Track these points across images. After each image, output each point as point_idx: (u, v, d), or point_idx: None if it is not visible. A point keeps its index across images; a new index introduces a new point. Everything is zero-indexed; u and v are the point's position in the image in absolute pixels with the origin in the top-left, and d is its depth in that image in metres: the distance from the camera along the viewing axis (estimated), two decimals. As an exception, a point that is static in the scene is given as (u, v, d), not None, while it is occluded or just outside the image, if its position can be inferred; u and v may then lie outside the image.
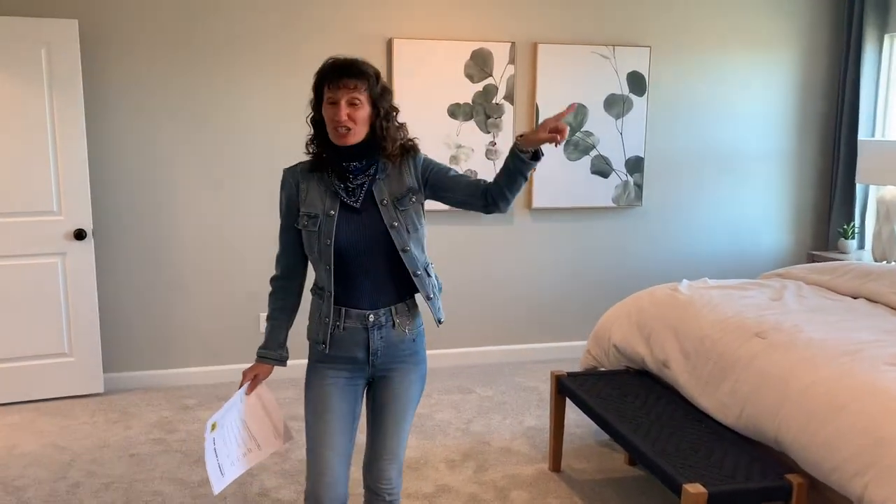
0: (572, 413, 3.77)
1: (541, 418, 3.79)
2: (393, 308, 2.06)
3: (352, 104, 1.93)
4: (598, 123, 4.58)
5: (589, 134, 4.58)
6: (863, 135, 4.72)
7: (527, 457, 3.37)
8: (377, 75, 2.00)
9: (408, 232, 2.02)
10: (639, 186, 4.72)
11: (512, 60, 4.40)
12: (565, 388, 3.15)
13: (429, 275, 2.10)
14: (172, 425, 3.70)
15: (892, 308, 3.11)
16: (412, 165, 2.06)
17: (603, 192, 4.66)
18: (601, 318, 3.63)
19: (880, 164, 4.23)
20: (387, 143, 2.00)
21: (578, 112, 4.54)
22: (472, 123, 4.40)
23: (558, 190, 4.59)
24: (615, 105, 4.59)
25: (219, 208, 4.20)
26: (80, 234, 3.90)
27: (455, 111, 4.36)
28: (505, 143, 4.45)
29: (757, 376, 2.61)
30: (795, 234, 5.07)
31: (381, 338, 2.05)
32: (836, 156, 4.91)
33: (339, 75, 1.93)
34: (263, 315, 4.22)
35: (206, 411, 3.87)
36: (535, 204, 4.57)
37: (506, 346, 4.71)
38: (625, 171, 4.68)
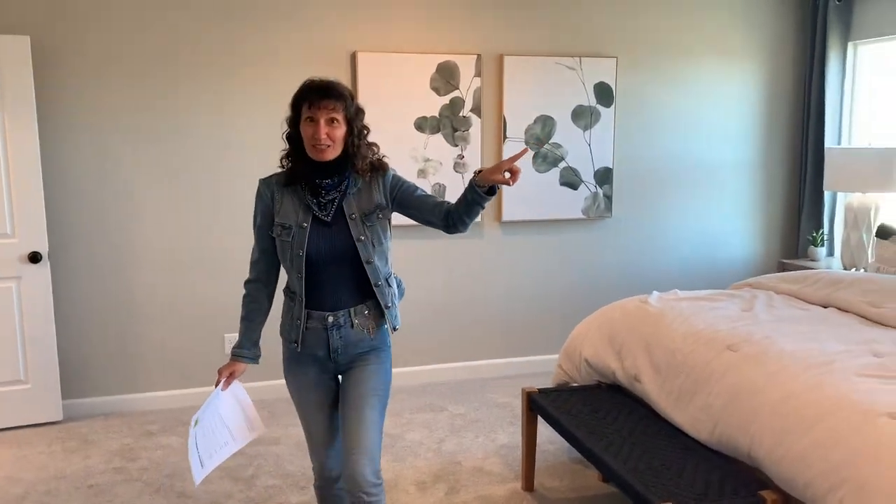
0: (546, 429, 3.70)
1: (514, 435, 3.72)
2: (352, 310, 2.20)
3: (330, 123, 2.08)
4: (566, 135, 4.55)
5: (557, 146, 4.54)
6: (829, 142, 4.74)
7: (499, 476, 3.30)
8: (352, 96, 2.16)
9: (373, 245, 2.18)
10: (608, 198, 4.69)
11: (478, 73, 4.36)
12: (536, 404, 3.09)
13: (389, 285, 2.26)
14: (134, 453, 3.58)
15: (862, 317, 3.09)
16: (381, 182, 2.21)
17: (572, 203, 4.63)
18: (572, 332, 3.58)
19: (847, 172, 4.24)
20: (357, 159, 2.16)
21: (546, 124, 4.51)
22: (439, 137, 4.34)
23: (528, 202, 4.54)
24: (583, 116, 4.57)
25: (180, 227, 4.09)
26: (34, 257, 3.77)
27: (422, 124, 4.30)
28: (473, 156, 4.40)
29: (729, 390, 2.57)
30: (765, 242, 5.07)
31: (340, 337, 2.20)
32: (803, 164, 4.93)
33: (319, 96, 2.08)
34: (228, 336, 4.17)
35: (170, 437, 3.75)
36: (505, 217, 4.52)
37: (478, 362, 4.64)
38: (594, 182, 4.65)
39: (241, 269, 4.14)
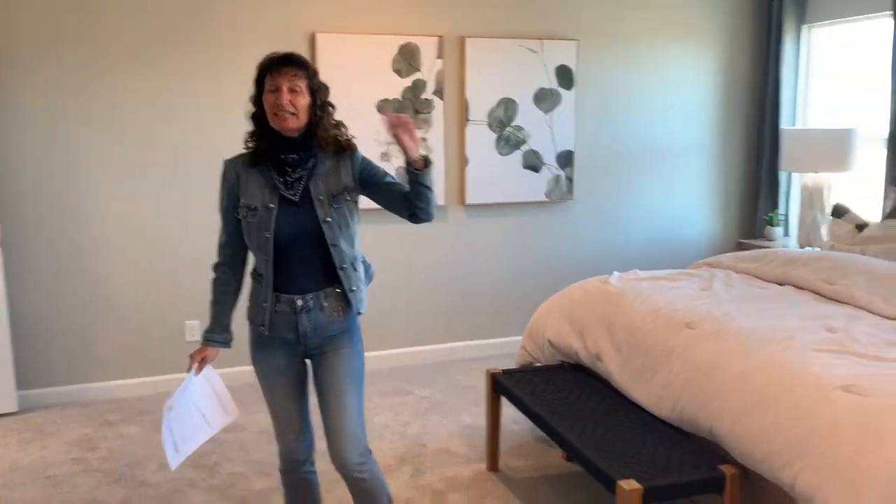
0: (510, 410, 3.72)
1: (479, 417, 3.74)
2: (322, 293, 2.17)
3: (293, 91, 2.04)
4: (529, 118, 4.55)
5: (519, 129, 4.55)
6: (785, 124, 4.82)
7: (464, 457, 3.32)
8: (315, 71, 2.13)
9: (340, 228, 2.14)
10: (570, 180, 4.71)
11: (440, 55, 4.33)
12: (501, 385, 3.11)
13: (355, 269, 2.22)
14: (93, 443, 3.51)
15: (817, 294, 3.16)
16: (350, 164, 2.18)
17: (535, 186, 4.64)
18: (535, 313, 3.60)
19: (803, 152, 4.32)
20: (321, 132, 2.11)
21: (508, 107, 4.50)
22: (401, 119, 4.30)
23: (491, 185, 4.54)
24: (544, 99, 4.57)
25: (137, 214, 4.01)
26: (-15, 245, 3.67)
27: (384, 107, 4.27)
28: (436, 139, 4.38)
29: (689, 368, 2.61)
30: (724, 222, 5.15)
31: (310, 320, 2.17)
32: (761, 145, 5.01)
33: (281, 64, 2.06)
34: (189, 323, 4.11)
35: (129, 426, 3.69)
36: (469, 200, 4.52)
37: (443, 345, 4.65)
38: (556, 165, 4.66)
39: (199, 255, 4.09)
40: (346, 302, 2.20)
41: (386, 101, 4.25)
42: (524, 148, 4.58)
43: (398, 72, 4.26)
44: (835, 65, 4.74)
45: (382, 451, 3.37)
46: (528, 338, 3.56)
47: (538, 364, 3.48)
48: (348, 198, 2.16)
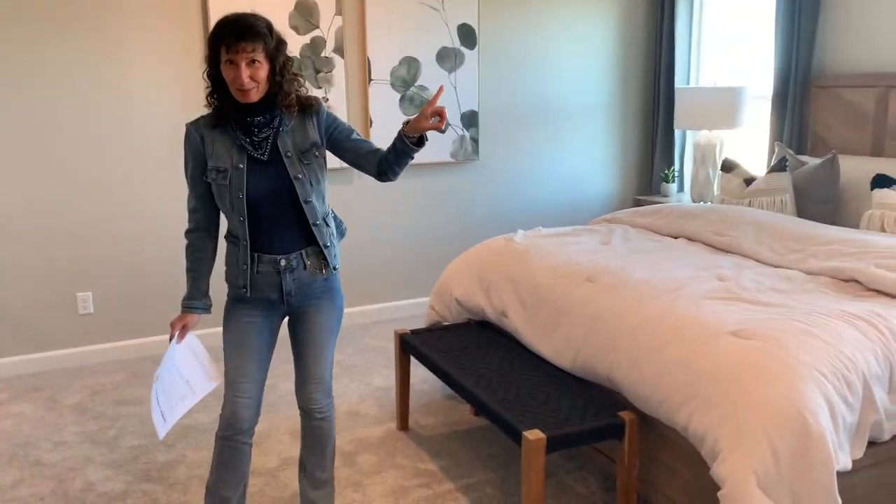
0: (420, 370, 3.76)
1: (389, 378, 3.75)
2: (304, 252, 2.19)
3: (251, 65, 2.00)
4: (432, 77, 4.52)
5: (423, 88, 4.51)
6: (679, 83, 4.98)
7: (374, 418, 3.33)
8: (271, 30, 2.05)
9: (311, 184, 2.15)
10: (475, 140, 4.72)
11: (339, 11, 4.22)
12: (409, 345, 3.12)
13: (327, 224, 2.24)
14: (-20, 424, 3.32)
15: (708, 245, 3.30)
16: (316, 120, 2.18)
17: (441, 147, 4.63)
18: (443, 273, 3.62)
19: (695, 111, 4.47)
20: (282, 95, 2.09)
21: (411, 66, 4.45)
22: (300, 79, 4.18)
23: (395, 146, 4.49)
24: (447, 59, 4.55)
25: (25, 185, 3.76)
26: None
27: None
28: (338, 99, 4.29)
29: (589, 319, 2.69)
30: (622, 180, 5.30)
31: (294, 280, 2.19)
32: (656, 104, 5.16)
33: (236, 38, 1.98)
34: (81, 295, 3.92)
35: (21, 404, 3.50)
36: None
37: (353, 308, 4.62)
38: (461, 125, 4.66)
39: (90, 225, 3.90)
40: (324, 258, 2.22)
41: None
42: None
43: (295, 28, 4.13)
44: (725, 25, 4.91)
45: (290, 416, 3.34)
46: (435, 297, 3.58)
47: (446, 323, 3.51)
48: (317, 154, 2.16)
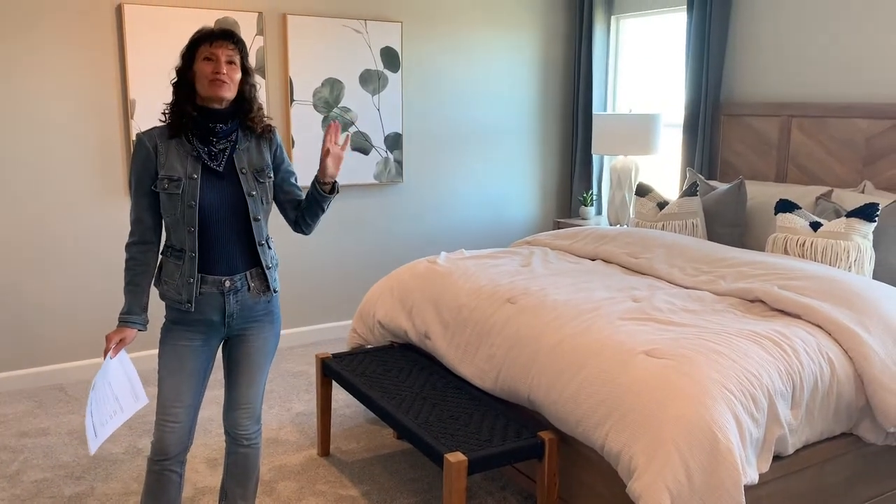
0: (342, 394, 3.72)
1: (309, 403, 3.69)
2: (248, 273, 2.20)
3: (229, 64, 2.08)
4: (356, 99, 4.52)
5: (347, 110, 4.50)
6: (596, 109, 5.13)
7: (295, 445, 3.26)
8: (247, 53, 2.19)
9: (262, 203, 2.19)
10: (399, 163, 4.74)
11: (261, 31, 4.18)
12: (330, 369, 3.08)
13: (269, 247, 2.26)
14: None
15: (624, 267, 3.40)
16: (270, 145, 2.23)
17: (364, 169, 4.62)
18: (365, 295, 3.60)
19: (612, 137, 4.62)
20: (253, 106, 2.16)
21: (334, 87, 4.44)
22: (220, 99, 4.11)
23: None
24: (371, 81, 4.56)
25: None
26: None
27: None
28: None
29: (510, 340, 2.72)
30: (542, 203, 5.41)
31: (237, 301, 2.19)
32: (575, 129, 5.30)
33: (219, 36, 2.10)
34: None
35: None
36: (298, 182, 4.40)
37: (272, 332, 4.52)
38: (384, 147, 4.67)
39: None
40: (266, 281, 2.22)
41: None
42: (352, 130, 4.54)
43: (216, 48, 4.06)
44: (641, 54, 5.10)
45: (207, 445, 3.24)
46: (358, 320, 3.55)
47: (369, 346, 3.49)
48: (270, 175, 2.21)
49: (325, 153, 2.21)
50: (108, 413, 2.15)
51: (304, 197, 2.31)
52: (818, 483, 2.47)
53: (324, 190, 2.24)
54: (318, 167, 2.25)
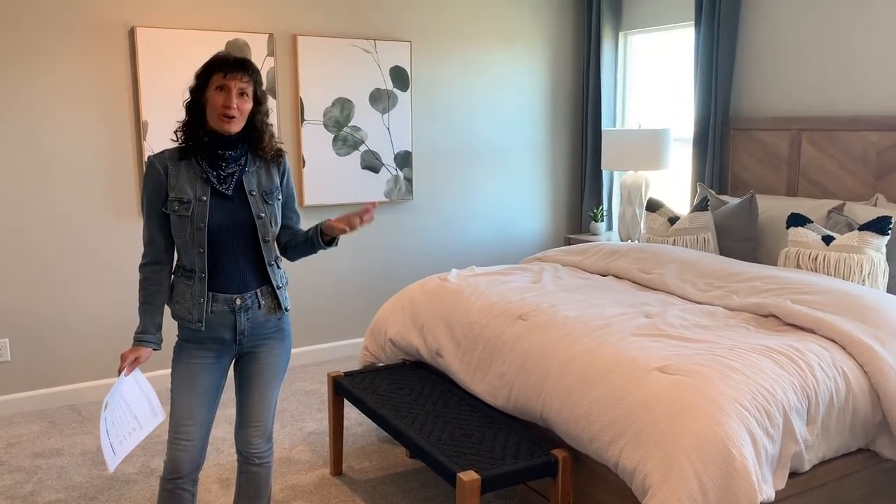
0: (354, 412, 3.71)
1: (322, 422, 3.68)
2: (258, 291, 2.23)
3: (240, 95, 2.10)
4: (365, 118, 4.55)
5: (357, 129, 4.53)
6: (605, 125, 5.14)
7: (307, 464, 3.25)
8: (261, 80, 2.21)
9: (271, 225, 2.22)
10: (409, 181, 4.76)
11: (271, 53, 4.23)
12: (342, 388, 3.08)
13: (279, 266, 2.30)
14: None
15: (635, 283, 3.39)
16: (280, 169, 2.27)
17: (374, 187, 4.64)
18: (377, 313, 3.60)
19: (622, 152, 4.62)
20: (264, 136, 2.19)
21: (344, 107, 4.48)
22: (232, 119, 4.15)
23: (329, 186, 4.49)
24: (380, 100, 4.59)
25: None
26: None
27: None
28: (269, 140, 4.26)
29: (521, 357, 2.71)
30: (552, 219, 5.41)
31: (248, 319, 2.21)
32: (584, 145, 5.31)
33: (235, 67, 2.10)
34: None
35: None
36: (308, 201, 4.44)
37: (284, 351, 4.53)
38: (394, 165, 4.69)
39: (6, 269, 3.75)
40: (276, 299, 2.26)
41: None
42: (362, 148, 4.57)
43: (227, 70, 4.10)
44: (649, 69, 5.12)
45: (220, 465, 3.24)
46: (369, 338, 3.55)
47: (380, 364, 3.48)
48: (278, 198, 2.24)
49: (346, 221, 2.23)
50: (126, 430, 2.17)
51: (298, 225, 2.37)
52: (835, 500, 2.44)
53: (324, 240, 2.29)
54: (330, 221, 2.26)
